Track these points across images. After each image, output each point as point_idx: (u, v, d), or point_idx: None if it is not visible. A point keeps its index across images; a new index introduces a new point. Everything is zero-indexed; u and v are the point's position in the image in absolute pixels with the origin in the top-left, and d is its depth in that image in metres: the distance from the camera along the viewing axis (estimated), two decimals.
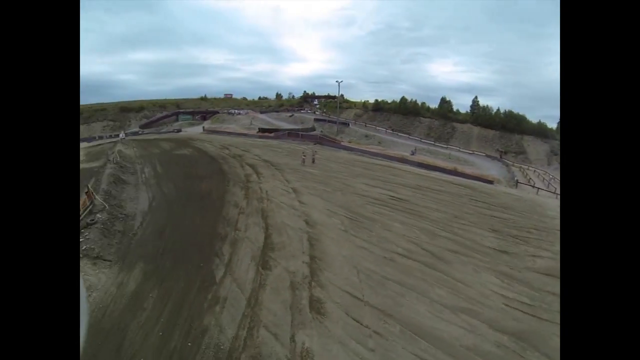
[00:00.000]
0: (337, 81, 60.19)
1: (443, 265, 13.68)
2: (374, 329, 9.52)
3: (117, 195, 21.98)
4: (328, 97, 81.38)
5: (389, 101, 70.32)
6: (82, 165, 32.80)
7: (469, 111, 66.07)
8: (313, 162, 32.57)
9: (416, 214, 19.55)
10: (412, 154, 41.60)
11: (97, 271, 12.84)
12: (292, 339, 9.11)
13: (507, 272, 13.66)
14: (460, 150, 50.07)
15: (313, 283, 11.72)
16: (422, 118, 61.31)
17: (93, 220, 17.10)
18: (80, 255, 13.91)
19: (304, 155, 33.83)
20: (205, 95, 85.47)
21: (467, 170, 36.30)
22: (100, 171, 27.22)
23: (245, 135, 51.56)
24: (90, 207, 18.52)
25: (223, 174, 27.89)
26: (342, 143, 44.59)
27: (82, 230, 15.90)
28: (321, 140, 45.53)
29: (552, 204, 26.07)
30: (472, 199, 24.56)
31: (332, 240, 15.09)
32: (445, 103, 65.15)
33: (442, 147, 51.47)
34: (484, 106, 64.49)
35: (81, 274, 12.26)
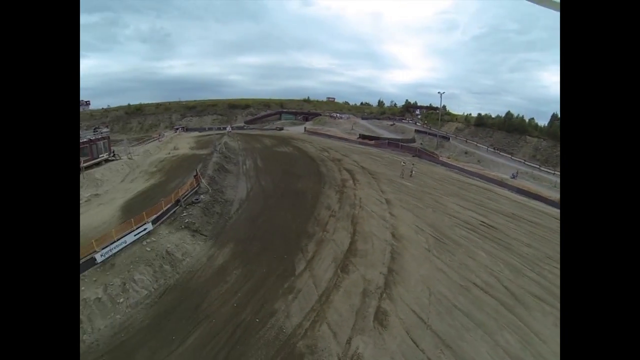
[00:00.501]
0: (439, 92, 57.00)
1: (521, 309, 12.35)
2: (429, 355, 9.46)
3: (220, 181, 24.93)
4: (430, 107, 77.97)
5: (493, 115, 63.45)
6: (192, 151, 37.56)
7: None
8: (411, 175, 31.67)
9: (505, 245, 17.83)
10: (513, 178, 38.48)
11: (193, 242, 14.84)
12: (349, 341, 9.57)
13: None
14: None
15: (384, 295, 11.94)
16: (528, 137, 54.25)
17: (197, 200, 19.79)
18: (182, 227, 16.06)
19: (403, 167, 33.08)
20: (308, 97, 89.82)
21: None
22: (207, 158, 31.00)
23: (345, 140, 52.84)
24: (197, 188, 21.27)
25: (320, 176, 29.41)
26: (441, 158, 42.44)
27: (187, 207, 18.46)
28: (420, 154, 44.09)
29: None
30: None
31: (413, 257, 14.85)
32: (557, 120, 56.84)
33: (549, 172, 44.51)
34: None
35: (177, 247, 14.07)
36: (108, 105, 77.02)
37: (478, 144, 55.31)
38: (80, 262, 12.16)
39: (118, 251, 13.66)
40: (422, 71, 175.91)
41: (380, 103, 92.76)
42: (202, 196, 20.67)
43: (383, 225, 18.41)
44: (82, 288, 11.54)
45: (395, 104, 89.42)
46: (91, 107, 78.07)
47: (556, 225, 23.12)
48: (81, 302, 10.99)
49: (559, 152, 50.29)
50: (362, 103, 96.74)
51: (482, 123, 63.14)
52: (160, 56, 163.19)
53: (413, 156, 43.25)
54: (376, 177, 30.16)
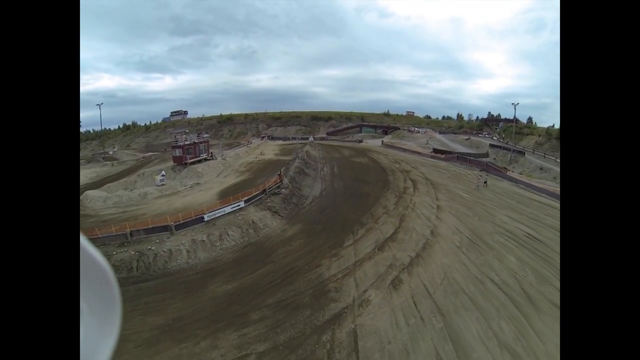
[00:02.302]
0: (513, 104, 56.19)
1: (530, 309, 13.72)
2: (422, 315, 12.85)
3: (299, 182, 30.84)
4: (509, 120, 75.94)
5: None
6: (277, 157, 44.36)
7: None
8: (485, 185, 34.20)
9: (542, 256, 18.98)
10: None
11: (272, 219, 20.47)
12: (365, 291, 13.82)
13: None
14: None
15: (405, 270, 15.80)
16: None
17: (279, 192, 25.63)
18: (265, 208, 21.78)
19: (479, 179, 35.83)
20: (388, 111, 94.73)
21: None
22: (290, 163, 37.21)
23: (418, 153, 55.80)
24: (279, 184, 27.08)
25: (386, 183, 33.73)
26: (508, 173, 42.74)
27: (271, 196, 24.38)
28: (487, 168, 45.01)
29: None
30: None
31: (442, 250, 18.25)
32: None
33: None
34: None
35: (260, 220, 19.70)
36: (203, 115, 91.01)
37: (557, 160, 53.44)
38: (193, 219, 18.69)
39: (219, 216, 20.18)
40: (509, 79, 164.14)
41: (460, 117, 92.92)
42: (283, 190, 26.56)
43: (426, 224, 21.99)
44: (192, 234, 17.86)
45: (477, 117, 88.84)
46: (188, 116, 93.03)
47: None
48: (190, 242, 17.31)
49: None
50: (444, 117, 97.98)
51: None
52: (248, 71, 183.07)
53: (480, 170, 44.60)
54: (436, 187, 33.18)
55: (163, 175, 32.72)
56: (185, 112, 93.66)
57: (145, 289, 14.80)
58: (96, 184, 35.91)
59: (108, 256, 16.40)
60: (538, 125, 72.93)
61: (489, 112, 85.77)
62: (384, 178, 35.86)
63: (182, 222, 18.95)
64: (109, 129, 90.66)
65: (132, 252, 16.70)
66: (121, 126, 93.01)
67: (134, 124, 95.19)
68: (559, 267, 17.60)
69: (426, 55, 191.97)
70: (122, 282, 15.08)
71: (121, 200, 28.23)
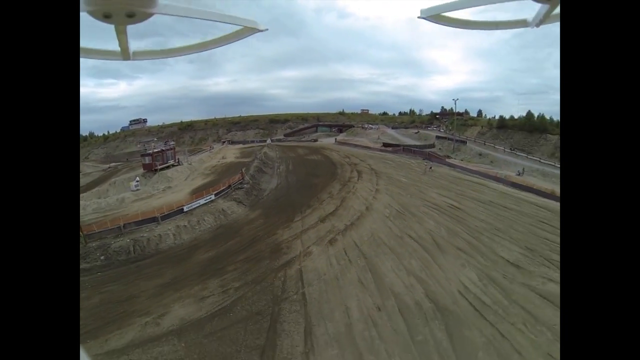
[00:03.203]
0: (453, 99, 64.99)
1: (437, 252, 19.72)
2: (350, 258, 18.94)
3: (258, 178, 36.58)
4: (456, 113, 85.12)
5: (516, 117, 68.68)
6: (237, 160, 49.49)
7: None
8: (431, 169, 42.67)
9: (458, 219, 25.43)
10: (518, 175, 43.98)
11: (238, 207, 26.32)
12: (308, 247, 19.94)
13: (488, 274, 17.23)
14: None
15: (340, 234, 21.88)
16: (549, 135, 59.14)
17: (242, 187, 31.30)
18: (231, 199, 27.20)
19: (426, 167, 44.09)
20: (343, 110, 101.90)
21: None
22: (250, 164, 42.80)
23: (369, 148, 62.67)
24: (242, 180, 32.50)
25: (334, 175, 40.07)
26: (447, 160, 50.37)
27: (235, 190, 29.73)
28: (429, 157, 52.47)
29: None
30: (540, 220, 25.87)
31: (372, 219, 24.51)
32: None
33: None
34: None
35: (228, 208, 25.23)
36: (163, 122, 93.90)
37: (496, 146, 60.84)
38: (174, 211, 23.93)
39: (195, 207, 25.64)
40: (464, 75, 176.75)
41: (412, 112, 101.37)
42: (245, 185, 32.14)
43: (363, 203, 28.26)
44: (176, 221, 23.09)
45: (431, 112, 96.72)
46: (148, 124, 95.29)
47: (528, 209, 28.20)
48: (175, 228, 22.52)
49: None
50: (400, 113, 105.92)
51: (503, 125, 67.69)
52: (206, 74, 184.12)
53: (424, 159, 51.92)
54: (379, 175, 39.59)
55: (137, 181, 37.21)
56: (145, 120, 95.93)
57: (144, 265, 19.85)
58: None
59: (107, 245, 21.27)
60: (489, 117, 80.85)
61: (442, 107, 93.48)
62: (333, 171, 42.12)
63: (166, 213, 24.17)
64: None
65: (128, 240, 21.66)
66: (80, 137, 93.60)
67: (91, 135, 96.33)
68: (469, 226, 23.33)
69: (384, 53, 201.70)
70: (124, 263, 20.11)
71: (100, 206, 32.44)
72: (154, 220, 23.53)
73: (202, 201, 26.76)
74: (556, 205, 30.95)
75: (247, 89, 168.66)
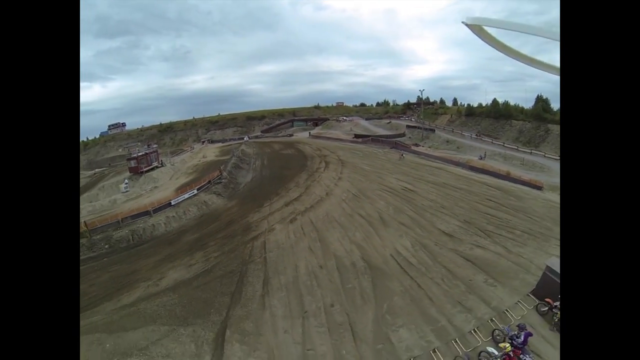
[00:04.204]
0: (419, 90, 70.75)
1: (380, 226, 25.09)
2: (305, 232, 24.60)
3: (235, 173, 42.38)
4: (427, 103, 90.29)
5: (484, 104, 73.07)
6: (217, 158, 54.81)
7: None
8: (402, 157, 48.54)
9: (408, 199, 30.59)
10: (480, 159, 46.53)
11: (217, 199, 32.13)
12: (272, 225, 25.75)
13: (422, 242, 24.39)
14: (546, 155, 48.27)
15: (300, 214, 27.75)
16: (514, 121, 62.50)
17: (220, 181, 36.73)
18: (212, 192, 32.78)
19: (401, 155, 49.87)
20: (318, 104, 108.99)
21: (525, 176, 37.51)
22: (227, 161, 48.20)
23: (340, 140, 68.68)
24: (220, 175, 38.03)
25: (304, 167, 45.93)
26: (412, 148, 55.71)
27: (215, 185, 35.24)
28: (396, 145, 58.25)
29: None
30: (487, 198, 29.25)
31: (329, 203, 30.34)
32: (541, 102, 63.69)
33: (525, 152, 50.03)
34: None
35: (209, 200, 30.88)
36: (142, 125, 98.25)
37: (464, 133, 65.43)
38: (163, 205, 29.50)
39: (181, 200, 31.31)
40: (442, 64, 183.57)
41: (385, 103, 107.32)
42: (223, 180, 37.68)
43: (324, 189, 34.09)
44: (165, 213, 28.69)
45: (407, 102, 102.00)
46: (127, 127, 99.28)
47: (479, 189, 32.11)
48: (165, 218, 28.15)
49: (542, 132, 55.73)
50: (378, 103, 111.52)
51: (471, 113, 71.85)
52: (182, 72, 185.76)
53: (391, 148, 57.71)
54: (345, 164, 45.38)
55: (127, 184, 42.56)
56: (124, 124, 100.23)
57: (142, 249, 25.36)
58: None
59: (109, 237, 26.73)
60: (463, 105, 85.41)
61: (418, 96, 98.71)
62: (303, 163, 47.91)
63: (157, 207, 29.80)
64: None
65: (127, 231, 27.18)
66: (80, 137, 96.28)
67: None
68: (417, 205, 28.09)
69: (362, 45, 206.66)
70: (125, 249, 25.57)
71: (94, 208, 37.61)
72: (146, 213, 29.06)
73: (186, 195, 32.41)
74: (505, 184, 34.49)
75: (226, 86, 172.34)
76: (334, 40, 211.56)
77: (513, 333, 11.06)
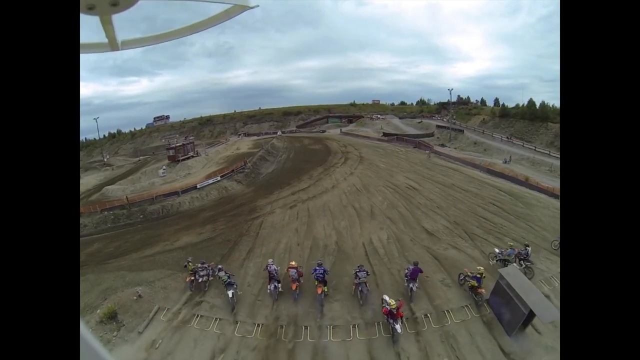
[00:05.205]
0: (448, 89, 71.54)
1: (368, 218, 28.80)
2: (298, 217, 29.40)
3: (259, 165, 48.22)
4: (462, 103, 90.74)
5: (520, 105, 72.40)
6: (249, 150, 61.20)
7: None
8: (429, 157, 50.97)
9: (406, 197, 33.31)
10: (505, 162, 47.43)
11: (237, 186, 38.31)
12: (274, 209, 31.02)
13: (399, 236, 28.25)
14: None
15: (301, 202, 32.56)
16: (550, 123, 60.80)
17: (243, 171, 42.48)
18: (233, 180, 38.75)
19: (429, 154, 52.93)
20: (354, 101, 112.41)
21: (545, 183, 37.35)
22: (255, 153, 53.86)
23: (368, 138, 72.19)
24: (244, 166, 43.86)
25: (324, 162, 50.44)
26: (435, 148, 57.01)
27: (237, 173, 41.18)
28: (418, 145, 60.67)
29: None
30: (491, 202, 30.19)
31: (331, 195, 34.70)
32: None
33: (557, 157, 48.69)
34: None
35: (229, 186, 36.80)
36: (184, 118, 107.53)
37: (494, 135, 65.15)
38: (190, 188, 35.77)
39: (205, 185, 37.61)
40: (488, 61, 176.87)
41: (421, 101, 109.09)
42: (246, 170, 43.53)
43: (332, 183, 38.49)
44: (191, 194, 34.87)
45: (450, 101, 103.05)
46: (171, 119, 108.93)
47: (488, 192, 33.16)
48: (189, 198, 34.31)
49: None
50: (417, 102, 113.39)
51: (505, 114, 71.75)
52: (225, 68, 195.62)
53: (413, 147, 60.65)
54: (363, 161, 48.69)
55: (164, 169, 49.79)
56: (168, 117, 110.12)
57: (168, 220, 31.50)
58: (109, 183, 52.09)
59: (144, 209, 33.29)
60: (506, 105, 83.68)
61: (458, 95, 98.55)
62: (325, 158, 52.33)
63: (185, 189, 36.16)
64: (87, 138, 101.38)
65: (158, 206, 33.68)
66: (106, 135, 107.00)
67: (119, 132, 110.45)
68: (413, 202, 31.12)
69: (404, 41, 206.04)
70: (155, 219, 31.95)
71: (136, 188, 44.79)
72: (175, 194, 35.50)
73: (210, 181, 38.55)
74: (521, 190, 34.74)
75: (269, 81, 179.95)
76: (376, 37, 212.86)
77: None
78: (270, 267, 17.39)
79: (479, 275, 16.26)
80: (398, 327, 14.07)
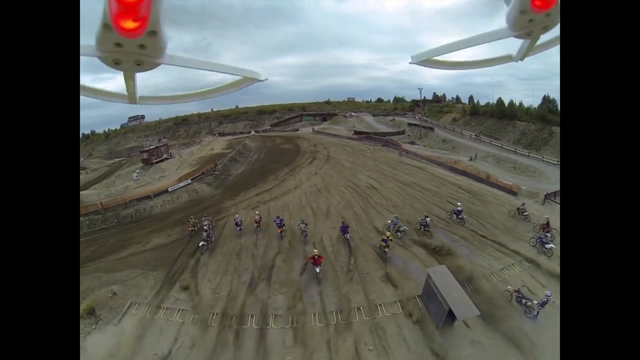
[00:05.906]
0: (418, 88, 74.63)
1: (323, 218, 31.92)
2: (270, 210, 32.75)
3: (229, 166, 51.28)
4: (435, 100, 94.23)
5: (490, 103, 75.68)
6: (223, 151, 63.92)
7: None
8: (401, 155, 53.53)
9: (365, 196, 36.20)
10: (470, 160, 49.17)
11: (206, 188, 41.71)
12: (237, 210, 34.36)
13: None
14: (544, 159, 48.28)
15: (263, 203, 35.94)
16: (517, 121, 62.71)
17: (213, 173, 45.73)
18: (203, 182, 41.95)
19: (400, 152, 55.54)
20: (329, 99, 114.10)
21: (504, 180, 38.23)
22: (227, 154, 56.69)
23: (339, 136, 74.65)
24: (214, 168, 46.96)
25: (291, 162, 53.56)
26: (402, 146, 58.90)
27: (207, 176, 44.26)
28: (387, 143, 63.43)
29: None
30: (447, 201, 31.78)
31: (293, 195, 38.02)
32: (548, 102, 63.21)
33: (522, 154, 50.83)
34: None
35: (199, 188, 40.03)
36: (159, 118, 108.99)
37: (464, 132, 67.71)
38: (162, 191, 38.91)
39: (177, 188, 40.72)
40: (465, 60, 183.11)
41: (397, 99, 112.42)
42: (216, 172, 46.62)
43: (294, 184, 41.75)
44: (162, 198, 38.04)
45: (421, 98, 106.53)
46: (146, 119, 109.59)
47: (447, 190, 34.98)
48: (161, 201, 37.47)
49: (545, 135, 55.40)
50: (394, 99, 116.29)
51: (475, 112, 74.37)
52: None
53: (382, 146, 63.73)
54: (329, 161, 51.62)
55: (138, 173, 52.48)
56: (143, 117, 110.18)
57: (141, 223, 34.46)
58: (83, 187, 53.80)
59: (118, 214, 36.23)
60: (481, 103, 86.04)
61: (434, 93, 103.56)
62: (294, 158, 55.17)
63: (157, 192, 39.23)
64: None
65: (132, 210, 36.59)
66: (80, 136, 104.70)
67: (93, 133, 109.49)
68: (370, 202, 33.92)
69: (384, 38, 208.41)
70: (129, 223, 34.90)
71: (111, 192, 47.28)
72: (148, 197, 38.50)
73: (182, 184, 41.59)
74: (480, 187, 36.45)
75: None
76: (356, 34, 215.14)
77: None
78: None
79: (385, 238, 22.02)
80: (318, 269, 19.95)
